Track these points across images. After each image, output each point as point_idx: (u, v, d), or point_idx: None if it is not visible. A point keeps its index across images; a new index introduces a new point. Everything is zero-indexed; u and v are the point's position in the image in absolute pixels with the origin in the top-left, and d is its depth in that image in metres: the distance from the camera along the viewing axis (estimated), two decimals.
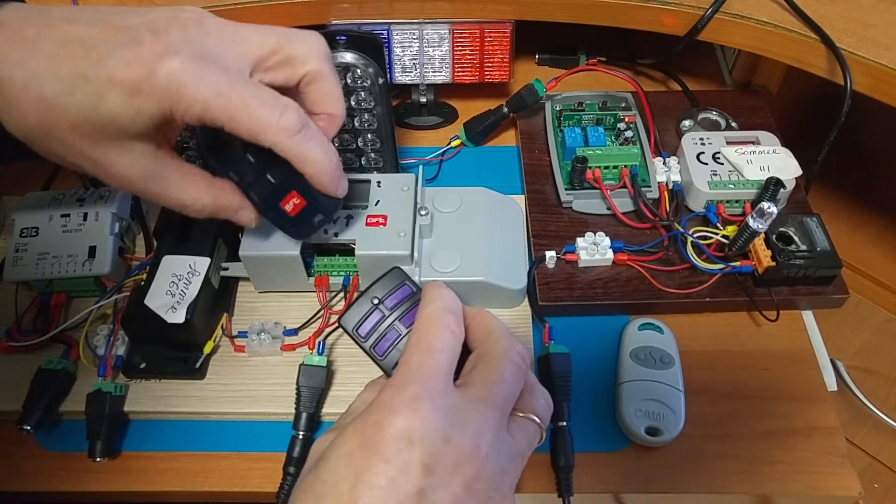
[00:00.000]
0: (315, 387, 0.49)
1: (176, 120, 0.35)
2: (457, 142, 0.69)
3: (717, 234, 0.56)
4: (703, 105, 0.69)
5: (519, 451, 0.35)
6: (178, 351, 0.52)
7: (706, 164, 0.59)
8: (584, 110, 0.66)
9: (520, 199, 0.62)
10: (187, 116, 0.35)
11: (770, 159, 0.58)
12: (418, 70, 0.69)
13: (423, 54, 0.68)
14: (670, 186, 0.60)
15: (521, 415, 0.36)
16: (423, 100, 0.71)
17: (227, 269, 0.54)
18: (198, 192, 0.40)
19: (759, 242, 0.54)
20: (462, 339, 0.36)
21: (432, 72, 0.69)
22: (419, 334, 0.35)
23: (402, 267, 0.52)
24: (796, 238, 0.55)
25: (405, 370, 0.33)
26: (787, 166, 0.58)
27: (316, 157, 0.39)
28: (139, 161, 0.37)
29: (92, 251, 0.55)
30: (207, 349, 0.52)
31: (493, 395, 0.34)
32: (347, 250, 0.53)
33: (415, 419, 0.30)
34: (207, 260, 0.52)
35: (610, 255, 0.56)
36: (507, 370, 0.35)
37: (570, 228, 0.59)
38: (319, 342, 0.50)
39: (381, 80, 0.55)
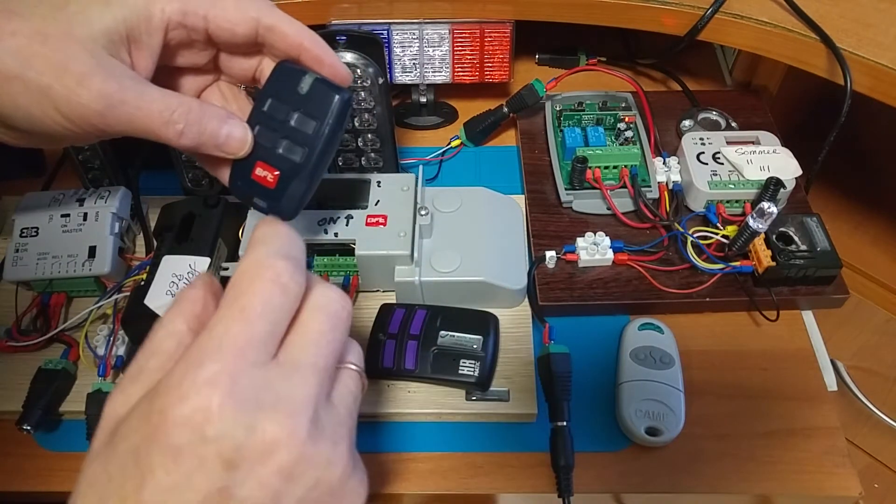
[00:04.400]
0: None
1: (154, 20, 0.33)
2: (457, 142, 0.69)
3: (717, 234, 0.56)
4: (703, 105, 0.69)
5: (348, 411, 0.30)
6: None
7: (706, 164, 0.59)
8: (584, 110, 0.66)
9: (520, 199, 0.62)
10: (168, 8, 0.33)
11: (770, 159, 0.58)
12: (418, 70, 0.69)
13: (423, 54, 0.68)
14: (670, 186, 0.60)
15: (338, 366, 0.31)
16: (423, 100, 0.71)
17: (227, 269, 0.54)
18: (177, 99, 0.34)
19: (759, 242, 0.54)
20: (300, 293, 0.29)
21: (432, 72, 0.69)
22: (234, 291, 0.28)
23: (402, 267, 0.53)
24: (796, 238, 0.55)
25: (206, 340, 0.27)
26: (787, 166, 0.58)
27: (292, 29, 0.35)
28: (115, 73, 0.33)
29: (92, 251, 0.55)
30: None
31: (312, 360, 0.28)
32: (347, 250, 0.53)
33: (209, 409, 0.25)
34: (207, 260, 0.52)
35: (610, 255, 0.56)
36: (325, 323, 0.29)
37: (570, 228, 0.59)
38: None
39: (381, 80, 0.55)
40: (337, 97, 0.34)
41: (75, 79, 0.31)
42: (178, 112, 0.33)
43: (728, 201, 0.58)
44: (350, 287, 0.54)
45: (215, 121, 0.34)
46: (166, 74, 0.37)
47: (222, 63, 0.39)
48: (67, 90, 0.31)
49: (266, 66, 0.38)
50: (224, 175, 0.37)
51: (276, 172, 0.35)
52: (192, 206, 0.55)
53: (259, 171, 0.35)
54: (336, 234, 0.52)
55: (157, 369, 0.28)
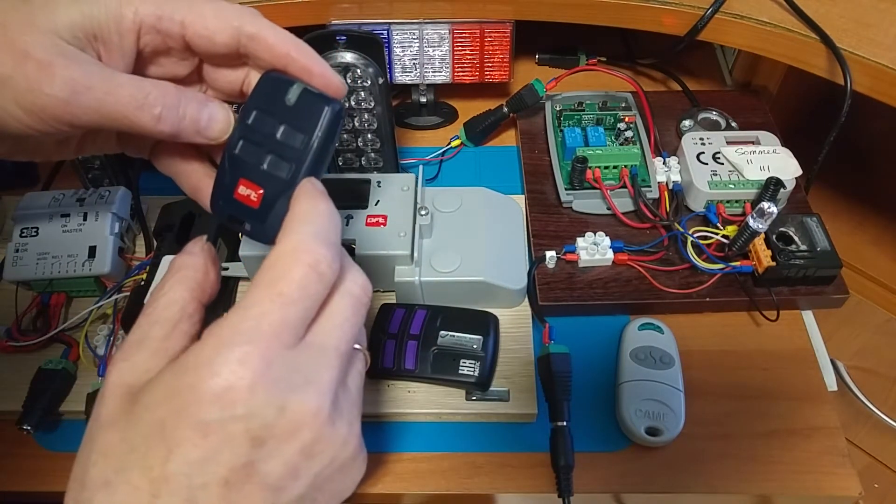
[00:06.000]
0: None
1: (125, 21, 0.31)
2: (457, 142, 0.69)
3: (717, 234, 0.56)
4: (703, 105, 0.69)
5: (358, 392, 0.31)
6: None
7: (706, 164, 0.59)
8: (584, 110, 0.66)
9: (520, 199, 0.62)
10: (142, 10, 0.31)
11: (770, 159, 0.58)
12: (418, 70, 0.69)
13: (423, 54, 0.67)
14: (670, 186, 0.60)
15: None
16: (423, 100, 0.71)
17: (227, 269, 0.54)
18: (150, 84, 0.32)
19: (759, 242, 0.54)
20: (334, 280, 0.29)
21: (432, 72, 0.69)
22: (272, 273, 0.28)
23: (402, 267, 0.53)
24: (796, 238, 0.55)
25: (241, 320, 0.27)
26: (787, 166, 0.58)
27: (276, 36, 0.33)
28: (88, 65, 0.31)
29: (92, 251, 0.55)
30: None
31: (336, 344, 0.29)
32: (348, 250, 0.53)
33: (241, 389, 0.25)
34: None
35: (610, 255, 0.56)
36: (350, 309, 0.30)
37: (570, 228, 0.59)
38: None
39: (381, 80, 0.55)
40: (327, 108, 0.31)
41: (36, 67, 0.29)
42: (153, 94, 0.31)
43: (728, 201, 0.58)
44: None
45: (194, 103, 0.32)
46: None
47: (206, 75, 0.36)
48: (28, 79, 0.29)
49: (254, 79, 0.35)
50: (203, 196, 0.35)
51: (260, 191, 0.32)
52: (192, 206, 0.55)
53: (242, 190, 0.32)
54: None
55: (162, 337, 0.29)
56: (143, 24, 0.32)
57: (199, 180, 0.36)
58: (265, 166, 0.32)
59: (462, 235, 0.54)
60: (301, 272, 0.28)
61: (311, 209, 0.30)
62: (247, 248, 0.51)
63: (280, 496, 0.27)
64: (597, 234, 0.57)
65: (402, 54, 0.67)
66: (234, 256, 0.54)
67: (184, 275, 0.30)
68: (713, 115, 0.67)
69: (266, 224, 0.32)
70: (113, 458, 0.26)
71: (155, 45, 0.33)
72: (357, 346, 0.31)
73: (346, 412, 0.29)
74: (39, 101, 0.29)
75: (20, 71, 0.29)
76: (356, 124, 0.58)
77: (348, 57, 0.53)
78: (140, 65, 0.34)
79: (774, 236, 0.55)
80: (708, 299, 0.55)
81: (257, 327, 0.26)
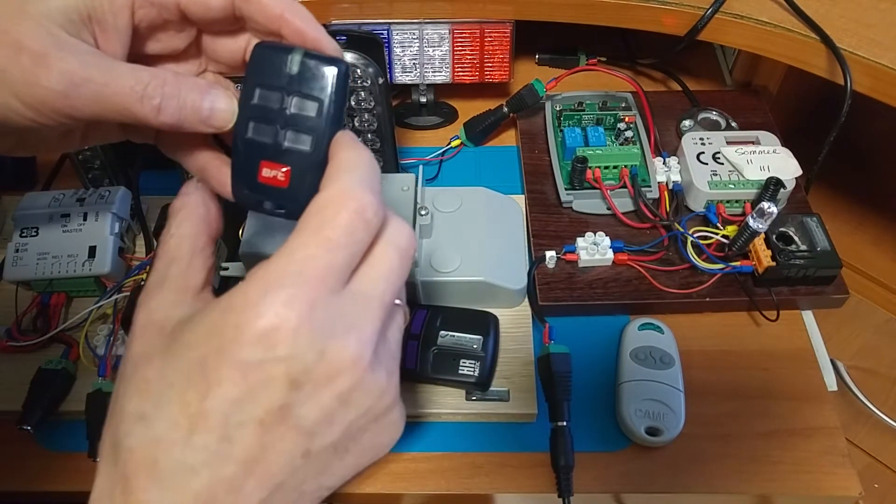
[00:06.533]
0: None
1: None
2: (457, 142, 0.69)
3: (717, 234, 0.56)
4: (703, 105, 0.69)
5: (397, 345, 0.31)
6: None
7: (706, 164, 0.59)
8: (584, 110, 0.66)
9: (520, 199, 0.62)
10: None
11: (770, 159, 0.58)
12: (418, 70, 0.69)
13: (423, 54, 0.67)
14: (670, 186, 0.60)
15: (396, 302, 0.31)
16: (423, 100, 0.71)
17: (227, 268, 0.54)
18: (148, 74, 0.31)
19: (759, 242, 0.54)
20: (379, 227, 0.29)
21: (432, 72, 0.69)
22: (318, 218, 0.27)
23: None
24: (796, 238, 0.55)
25: (287, 263, 0.26)
26: (787, 166, 0.58)
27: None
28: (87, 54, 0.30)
29: (92, 251, 0.55)
30: None
31: (382, 293, 0.28)
32: None
33: (284, 331, 0.25)
34: None
35: (610, 255, 0.56)
36: (395, 259, 0.29)
37: (570, 228, 0.59)
38: None
39: (381, 80, 0.55)
40: (334, 69, 0.30)
41: (32, 58, 0.28)
42: (151, 85, 0.30)
43: (728, 201, 0.58)
44: None
45: (195, 92, 0.31)
46: (143, 64, 0.33)
47: (206, 47, 0.35)
48: (24, 72, 0.28)
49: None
50: (211, 177, 0.34)
51: (286, 169, 0.31)
52: None
53: (266, 172, 0.31)
54: None
55: (180, 274, 0.29)
56: None
57: (206, 162, 0.35)
58: (285, 143, 0.31)
59: (462, 235, 0.54)
60: (347, 217, 0.27)
61: (354, 157, 0.29)
62: (247, 247, 0.51)
63: (313, 441, 0.27)
64: (597, 234, 0.57)
65: (402, 54, 0.67)
66: (234, 256, 0.54)
67: (186, 212, 0.31)
68: (713, 115, 0.67)
69: (301, 200, 0.30)
70: (150, 394, 0.26)
71: (150, 20, 0.32)
72: (398, 301, 0.31)
73: (386, 363, 0.29)
74: (38, 94, 0.29)
75: (15, 64, 0.28)
76: (356, 124, 0.58)
77: (348, 57, 0.53)
78: (137, 42, 0.33)
79: (774, 236, 0.55)
80: (708, 299, 0.55)
81: (303, 271, 0.26)
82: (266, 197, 0.32)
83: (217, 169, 0.34)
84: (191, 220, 0.31)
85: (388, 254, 0.29)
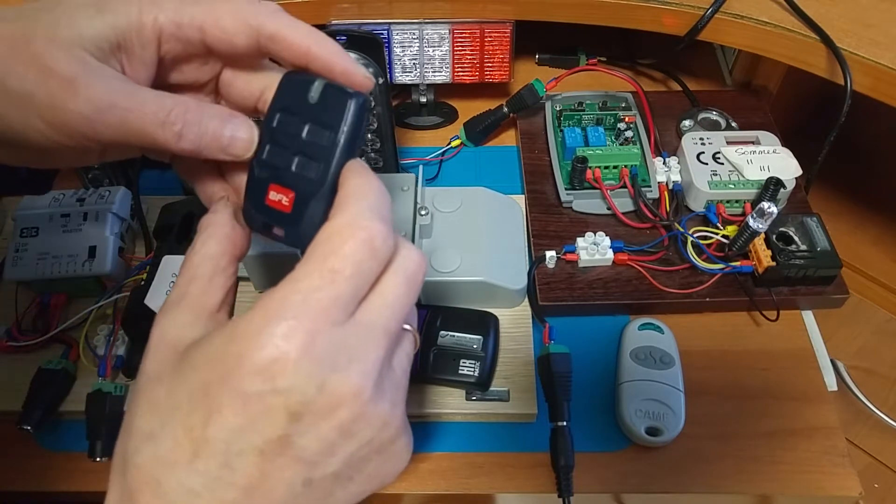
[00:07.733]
0: None
1: (146, 30, 0.31)
2: (457, 142, 0.69)
3: (717, 234, 0.56)
4: (703, 105, 0.69)
5: (404, 374, 0.30)
6: None
7: (706, 164, 0.59)
8: (584, 110, 0.66)
9: (520, 199, 0.62)
10: (161, 18, 0.31)
11: (770, 159, 0.58)
12: (418, 70, 0.69)
13: (423, 54, 0.68)
14: (670, 186, 0.60)
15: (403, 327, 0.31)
16: (423, 100, 0.71)
17: None
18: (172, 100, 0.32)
19: (759, 242, 0.54)
20: (388, 256, 0.28)
21: (432, 72, 0.69)
22: (325, 248, 0.27)
23: None
24: (796, 238, 0.55)
25: (290, 292, 0.26)
26: (787, 166, 0.58)
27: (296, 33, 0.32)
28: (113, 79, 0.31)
29: (92, 251, 0.55)
30: None
31: (386, 323, 0.28)
32: None
33: (284, 363, 0.25)
34: None
35: (610, 255, 0.56)
36: (403, 287, 0.29)
37: (570, 228, 0.59)
38: None
39: (381, 80, 0.55)
40: (350, 101, 0.30)
41: (59, 84, 0.29)
42: (174, 112, 0.30)
43: (728, 201, 0.58)
44: None
45: (216, 120, 0.32)
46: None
47: (221, 89, 0.35)
48: (51, 97, 0.29)
49: (268, 97, 0.33)
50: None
51: (291, 194, 0.31)
52: (192, 206, 0.55)
53: (273, 196, 0.31)
54: None
55: (199, 293, 0.30)
56: (163, 32, 0.32)
57: (214, 192, 0.35)
58: (294, 168, 0.31)
59: (462, 235, 0.54)
60: (355, 247, 0.27)
61: (364, 184, 0.29)
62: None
63: (314, 470, 0.27)
64: (597, 234, 0.57)
65: (402, 54, 0.67)
66: None
67: (212, 231, 0.31)
68: (713, 115, 0.67)
69: (300, 228, 0.31)
70: (158, 413, 0.27)
71: (176, 53, 0.33)
72: (407, 326, 0.31)
73: (390, 393, 0.29)
74: (62, 116, 0.29)
75: (43, 87, 0.29)
76: None
77: None
78: (162, 72, 0.33)
79: (774, 236, 0.55)
80: (708, 299, 0.55)
81: (305, 301, 0.26)
82: (270, 220, 0.32)
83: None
84: (216, 237, 0.31)
85: (395, 281, 0.29)
